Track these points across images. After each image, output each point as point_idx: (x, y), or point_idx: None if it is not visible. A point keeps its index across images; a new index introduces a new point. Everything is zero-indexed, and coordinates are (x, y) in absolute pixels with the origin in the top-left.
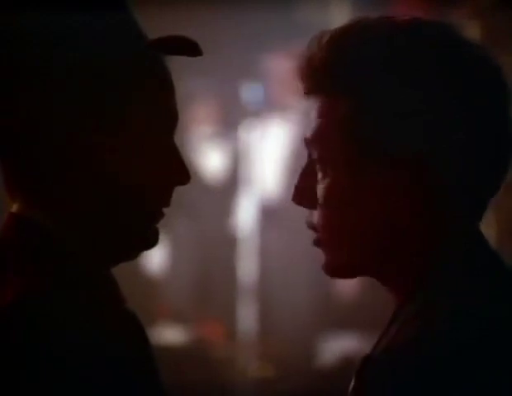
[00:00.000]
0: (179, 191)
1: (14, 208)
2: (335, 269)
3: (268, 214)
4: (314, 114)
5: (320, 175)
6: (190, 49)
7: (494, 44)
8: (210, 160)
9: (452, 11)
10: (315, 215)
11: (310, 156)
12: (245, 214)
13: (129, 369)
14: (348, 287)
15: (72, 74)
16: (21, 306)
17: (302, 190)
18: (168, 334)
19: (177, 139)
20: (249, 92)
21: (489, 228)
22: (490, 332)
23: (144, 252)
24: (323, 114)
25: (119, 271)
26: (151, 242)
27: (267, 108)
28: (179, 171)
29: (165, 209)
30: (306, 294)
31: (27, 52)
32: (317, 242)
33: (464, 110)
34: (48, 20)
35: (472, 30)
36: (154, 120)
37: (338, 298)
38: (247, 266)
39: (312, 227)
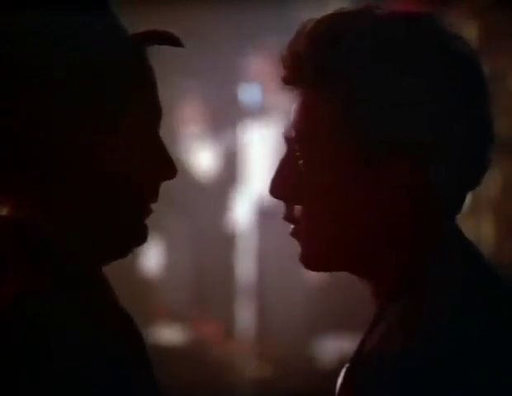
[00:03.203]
0: (175, 192)
1: (5, 211)
2: (312, 260)
3: (265, 213)
4: (296, 107)
5: (305, 170)
6: (172, 40)
7: (491, 44)
8: (205, 160)
9: (450, 10)
10: (296, 209)
11: (289, 150)
12: (242, 214)
13: (128, 369)
14: (346, 287)
15: (72, 74)
16: (21, 306)
17: (280, 184)
18: (166, 334)
19: (171, 139)
20: (244, 92)
21: (488, 230)
22: (483, 333)
23: (136, 249)
24: (307, 107)
25: (115, 272)
26: (142, 239)
27: (262, 108)
28: (166, 166)
29: (163, 210)
30: (305, 293)
31: (27, 52)
32: (295, 234)
33: (463, 102)
34: (48, 20)
35: (470, 30)
36: (151, 118)
37: (337, 298)
38: (244, 266)
39: (291, 220)
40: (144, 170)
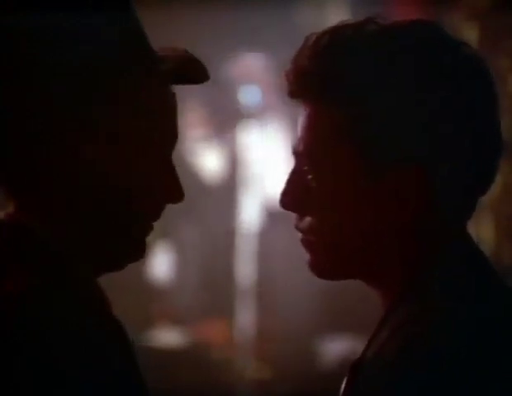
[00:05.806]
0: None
1: (3, 213)
2: (321, 268)
3: (270, 216)
4: (302, 121)
5: (313, 182)
6: (199, 75)
7: (492, 46)
8: (211, 164)
9: (450, 12)
10: (305, 220)
11: (297, 163)
12: (248, 217)
13: (126, 370)
14: (347, 289)
15: (65, 80)
16: (21, 306)
17: (290, 197)
18: (167, 336)
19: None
20: (246, 94)
21: (488, 231)
22: (488, 336)
23: (130, 263)
24: (313, 121)
25: (118, 273)
26: (138, 255)
27: (264, 109)
28: (173, 189)
29: (170, 213)
30: (306, 296)
31: (20, 52)
32: (304, 243)
33: (469, 111)
34: (46, 21)
35: (470, 32)
36: (152, 134)
37: (338, 300)
38: (247, 268)
39: (302, 230)
40: (149, 189)
